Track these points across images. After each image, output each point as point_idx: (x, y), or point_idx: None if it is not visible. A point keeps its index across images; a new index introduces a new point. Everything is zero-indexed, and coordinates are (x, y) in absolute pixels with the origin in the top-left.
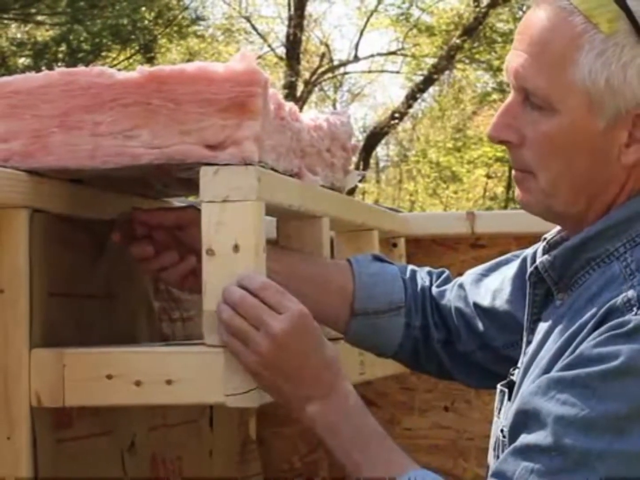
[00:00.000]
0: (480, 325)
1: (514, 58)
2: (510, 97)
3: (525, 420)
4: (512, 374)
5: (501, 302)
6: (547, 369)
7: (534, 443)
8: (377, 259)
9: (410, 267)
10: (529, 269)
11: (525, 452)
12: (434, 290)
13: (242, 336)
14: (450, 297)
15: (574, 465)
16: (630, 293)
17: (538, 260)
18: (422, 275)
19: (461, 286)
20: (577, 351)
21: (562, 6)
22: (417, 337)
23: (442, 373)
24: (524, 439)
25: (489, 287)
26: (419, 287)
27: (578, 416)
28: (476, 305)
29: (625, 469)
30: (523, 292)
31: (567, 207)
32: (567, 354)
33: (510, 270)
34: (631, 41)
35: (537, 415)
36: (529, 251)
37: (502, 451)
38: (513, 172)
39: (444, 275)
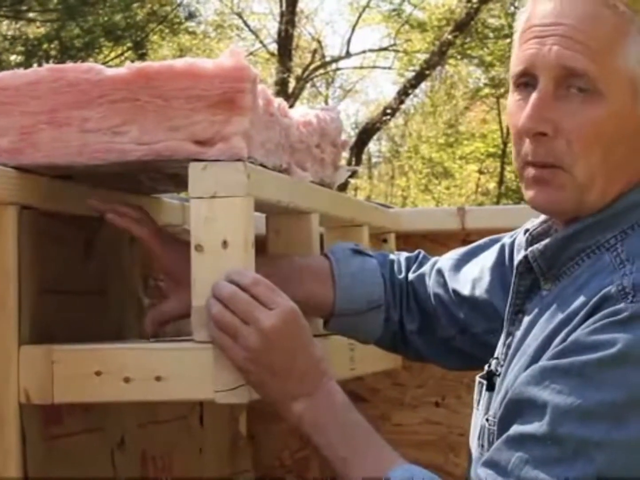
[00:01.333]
0: (460, 312)
1: (552, 44)
2: (540, 90)
3: (518, 409)
4: (490, 365)
5: (480, 292)
6: (535, 357)
7: (529, 432)
8: (356, 252)
9: (390, 257)
10: (518, 257)
11: (520, 442)
12: (411, 276)
13: (231, 331)
14: (429, 283)
15: (571, 454)
16: (625, 281)
17: (527, 250)
18: (399, 266)
19: (440, 272)
20: (571, 338)
21: None
22: (395, 330)
23: (419, 358)
24: (518, 428)
25: (468, 275)
26: (397, 280)
27: (574, 405)
28: (455, 293)
29: (623, 458)
30: (502, 281)
31: (599, 201)
32: (557, 341)
33: (489, 258)
34: None
35: (532, 405)
36: (506, 240)
37: (489, 440)
38: (533, 171)
39: (419, 258)
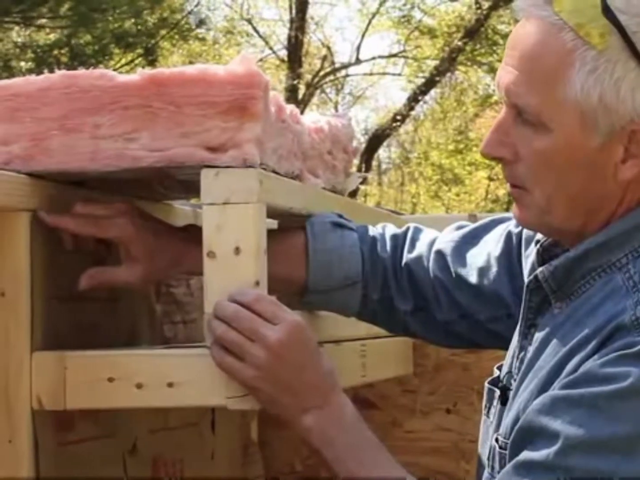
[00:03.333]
0: (463, 297)
1: (505, 74)
2: (502, 113)
3: (529, 437)
4: (502, 377)
5: (488, 282)
6: (547, 381)
7: (538, 460)
8: (336, 225)
9: (372, 232)
10: (529, 276)
11: (528, 468)
12: (407, 257)
13: (237, 350)
14: (429, 265)
15: None
16: (639, 311)
17: (538, 270)
18: (383, 244)
19: (441, 254)
20: (583, 368)
21: (552, 22)
22: (376, 309)
23: (410, 335)
24: (528, 455)
25: (474, 262)
26: (379, 257)
27: (585, 436)
28: (459, 278)
29: None
30: (510, 270)
31: (564, 223)
32: (569, 368)
33: (495, 247)
34: (623, 57)
35: (543, 433)
36: (512, 227)
37: (499, 463)
38: (509, 188)
39: (410, 234)
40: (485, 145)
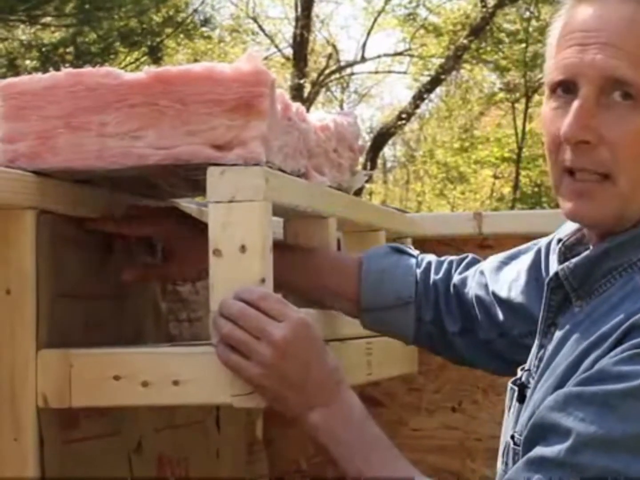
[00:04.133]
0: (499, 314)
1: (593, 53)
2: (582, 98)
3: (542, 434)
4: (522, 375)
5: (516, 294)
6: (563, 379)
7: (550, 456)
8: (396, 250)
9: (429, 258)
10: (549, 275)
11: (540, 464)
12: (456, 277)
13: (244, 348)
14: (472, 284)
15: None
16: None
17: (558, 267)
18: (438, 266)
19: (482, 274)
20: (597, 366)
21: None
22: (431, 330)
23: (462, 362)
24: (540, 450)
25: (507, 277)
26: (432, 280)
27: (596, 434)
28: (495, 295)
29: None
30: (537, 283)
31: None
32: (584, 365)
33: (526, 261)
34: None
35: (555, 430)
36: (543, 242)
37: (512, 458)
38: (575, 183)
39: (467, 260)
40: (570, 127)
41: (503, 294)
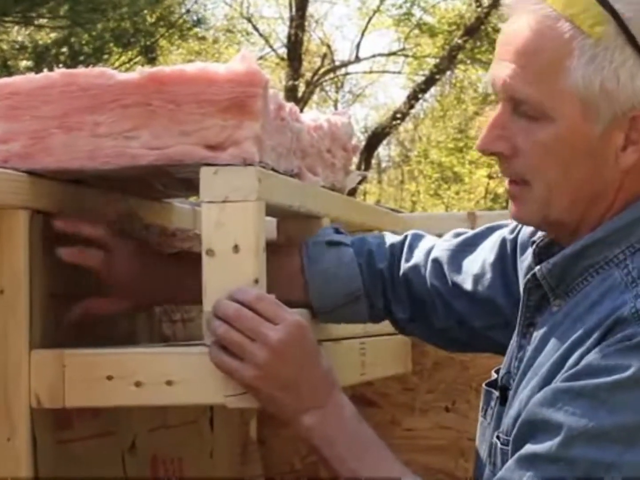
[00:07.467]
0: (459, 305)
1: (500, 70)
2: (498, 109)
3: (532, 430)
4: (502, 377)
5: (483, 288)
6: (549, 377)
7: (541, 453)
8: (332, 244)
9: (368, 244)
10: (525, 276)
11: (532, 461)
12: (404, 266)
13: (238, 349)
14: (425, 273)
15: (582, 476)
16: (639, 303)
17: (536, 268)
18: (380, 252)
19: (437, 262)
20: (584, 361)
21: (546, 14)
22: (382, 316)
23: (414, 336)
24: (530, 447)
25: (469, 270)
26: (376, 268)
27: (587, 427)
28: (455, 286)
29: None
30: (503, 277)
31: (563, 215)
32: (570, 362)
33: (489, 253)
34: (620, 44)
35: (545, 426)
36: (507, 234)
37: (501, 459)
38: (506, 186)
39: (408, 241)
40: (482, 141)
41: (467, 286)
